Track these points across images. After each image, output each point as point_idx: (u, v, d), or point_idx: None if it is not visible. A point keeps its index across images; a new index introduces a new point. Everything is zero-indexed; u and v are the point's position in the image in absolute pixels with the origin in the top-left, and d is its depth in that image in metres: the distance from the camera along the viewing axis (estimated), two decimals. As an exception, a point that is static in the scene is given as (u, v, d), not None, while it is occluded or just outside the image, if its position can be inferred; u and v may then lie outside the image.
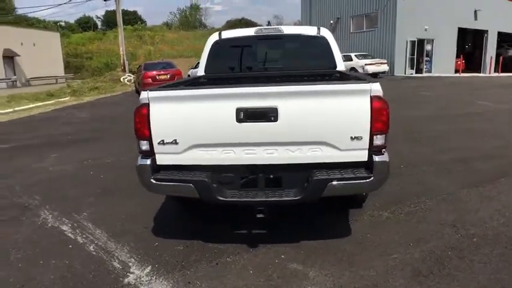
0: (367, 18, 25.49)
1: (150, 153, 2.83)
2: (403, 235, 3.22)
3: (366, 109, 2.55)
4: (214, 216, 3.74)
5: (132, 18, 68.87)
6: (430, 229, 3.32)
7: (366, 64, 20.41)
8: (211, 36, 4.50)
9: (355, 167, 2.70)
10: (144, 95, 2.74)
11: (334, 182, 2.60)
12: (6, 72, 26.75)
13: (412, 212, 3.68)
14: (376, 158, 2.64)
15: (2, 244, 3.45)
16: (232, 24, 62.01)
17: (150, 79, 16.08)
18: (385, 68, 21.31)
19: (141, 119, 2.74)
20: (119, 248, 3.27)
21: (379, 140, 2.64)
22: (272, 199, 2.72)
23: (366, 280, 2.61)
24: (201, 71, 4.49)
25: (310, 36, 4.39)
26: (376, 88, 2.57)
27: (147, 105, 2.73)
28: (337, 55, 4.29)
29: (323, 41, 4.28)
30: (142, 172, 2.84)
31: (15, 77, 26.80)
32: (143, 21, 70.04)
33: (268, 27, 4.64)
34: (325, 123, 2.60)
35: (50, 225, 3.83)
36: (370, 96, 2.56)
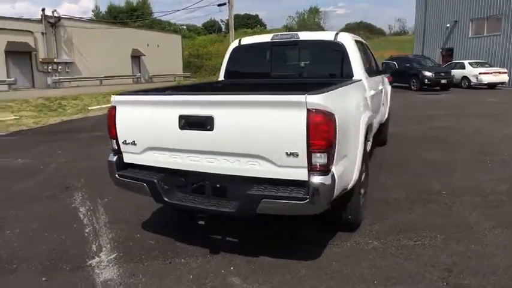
0: (489, 21, 22.29)
1: (118, 151, 3.06)
2: (375, 270, 2.83)
3: (301, 123, 2.32)
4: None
5: (253, 22, 72.76)
6: (415, 269, 2.84)
7: (480, 73, 17.90)
8: (232, 43, 4.58)
9: (299, 185, 2.48)
10: (112, 98, 2.98)
11: (268, 199, 2.44)
12: (133, 69, 30.85)
13: (408, 247, 3.19)
14: (313, 179, 2.38)
15: (29, 215, 4.10)
16: (349, 28, 60.81)
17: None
18: (504, 78, 18.36)
19: (110, 119, 2.99)
20: (106, 234, 3.59)
21: (319, 159, 2.37)
22: (209, 208, 2.69)
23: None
24: (221, 76, 4.61)
25: (326, 42, 4.11)
26: (313, 101, 2.32)
27: (115, 107, 2.96)
28: (356, 63, 3.93)
29: (339, 47, 3.96)
30: (110, 167, 3.11)
31: (139, 74, 30.71)
32: (263, 25, 73.41)
33: (285, 33, 4.49)
34: (259, 136, 2.45)
35: (73, 205, 4.39)
36: (307, 109, 2.31)
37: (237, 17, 76.50)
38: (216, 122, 2.55)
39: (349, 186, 2.91)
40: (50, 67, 22.13)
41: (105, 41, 26.75)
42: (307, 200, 2.38)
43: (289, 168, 2.44)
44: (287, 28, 72.99)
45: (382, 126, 6.28)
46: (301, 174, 2.43)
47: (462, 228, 3.50)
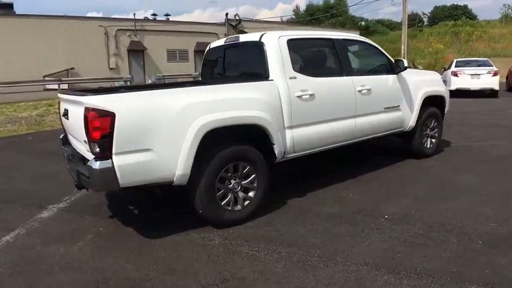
0: None
1: None
2: (173, 261, 3.13)
3: (82, 118, 3.01)
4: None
5: (460, 13, 63.63)
6: (195, 269, 2.98)
7: None
8: (208, 45, 5.20)
9: None
10: None
11: (81, 175, 3.24)
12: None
13: (235, 252, 3.22)
14: (89, 162, 3.06)
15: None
16: None
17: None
18: None
19: None
20: (87, 194, 4.84)
21: (94, 147, 2.99)
22: (72, 176, 3.67)
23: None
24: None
25: (252, 43, 4.20)
26: (90, 101, 2.97)
27: None
28: (274, 64, 3.92)
29: (260, 47, 4.00)
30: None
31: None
32: (471, 17, 63.04)
33: (233, 36, 4.76)
34: (79, 125, 3.18)
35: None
36: (84, 107, 2.97)
37: (442, 8, 68.01)
38: (69, 114, 3.55)
39: (175, 179, 3.29)
40: (229, 64, 26.17)
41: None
42: (88, 179, 3.05)
43: (89, 152, 3.16)
44: (506, 18, 59.90)
45: (410, 134, 5.57)
46: (91, 157, 3.12)
47: (324, 252, 3.17)
